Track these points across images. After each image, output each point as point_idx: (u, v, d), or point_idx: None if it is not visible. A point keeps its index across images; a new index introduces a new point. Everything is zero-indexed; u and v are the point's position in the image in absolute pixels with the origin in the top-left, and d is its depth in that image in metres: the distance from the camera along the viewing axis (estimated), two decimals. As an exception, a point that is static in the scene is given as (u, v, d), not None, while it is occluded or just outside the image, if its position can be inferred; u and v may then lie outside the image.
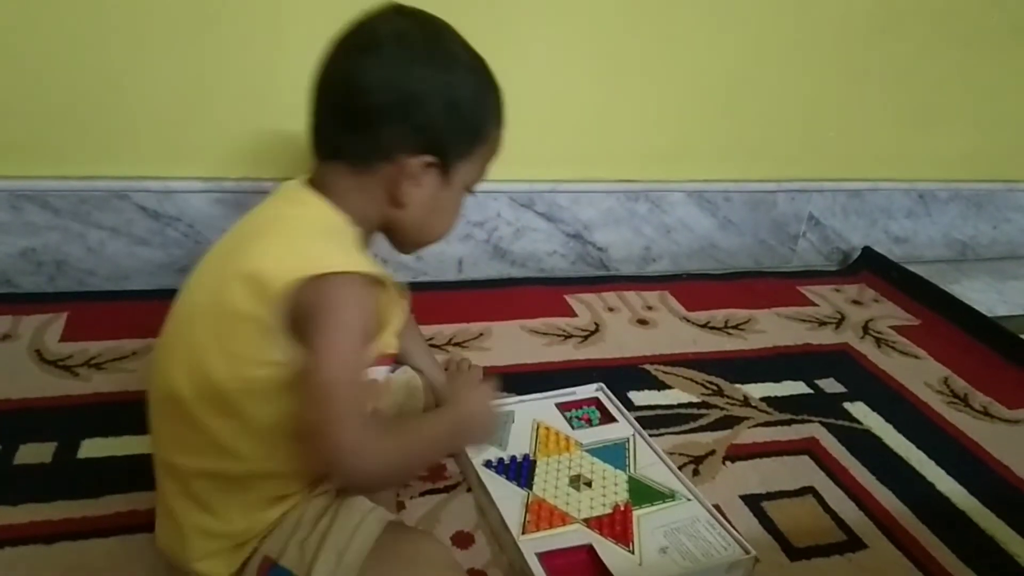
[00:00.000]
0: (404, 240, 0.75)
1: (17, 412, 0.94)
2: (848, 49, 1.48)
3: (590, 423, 1.01)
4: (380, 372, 0.79)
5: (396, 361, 0.91)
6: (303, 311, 0.61)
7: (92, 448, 0.89)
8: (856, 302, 1.51)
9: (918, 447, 1.06)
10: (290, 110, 1.21)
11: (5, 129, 1.13)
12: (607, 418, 1.02)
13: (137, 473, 0.83)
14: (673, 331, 1.32)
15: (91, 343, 1.08)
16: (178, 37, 1.13)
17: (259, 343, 0.62)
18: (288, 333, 0.62)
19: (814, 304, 1.48)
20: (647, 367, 1.19)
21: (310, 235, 0.66)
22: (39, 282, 1.22)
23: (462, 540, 0.82)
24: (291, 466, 0.67)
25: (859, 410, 1.14)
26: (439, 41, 0.69)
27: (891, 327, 1.41)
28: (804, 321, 1.40)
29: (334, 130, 0.69)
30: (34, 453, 0.87)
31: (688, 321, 1.36)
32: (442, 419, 0.74)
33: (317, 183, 0.70)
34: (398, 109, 0.66)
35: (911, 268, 1.61)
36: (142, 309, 1.16)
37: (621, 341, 1.26)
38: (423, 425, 0.73)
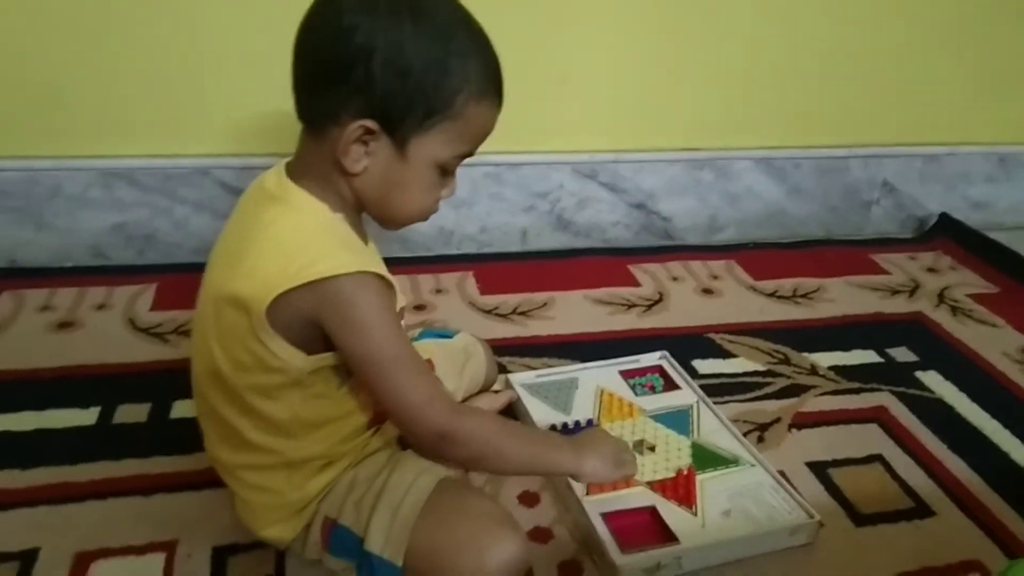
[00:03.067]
0: (374, 215, 0.70)
1: (114, 376, 1.01)
2: (922, 7, 1.42)
3: (653, 390, 1.02)
4: None
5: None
6: (312, 317, 0.62)
7: (183, 409, 0.95)
8: (932, 270, 1.47)
9: (992, 416, 1.04)
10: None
11: (95, 110, 1.20)
12: (670, 385, 1.03)
13: (224, 432, 0.89)
14: (739, 300, 1.31)
15: (179, 312, 1.15)
16: (252, 21, 1.17)
17: (259, 354, 0.63)
18: (289, 340, 0.63)
19: (887, 272, 1.44)
20: (712, 336, 1.19)
21: (291, 241, 0.63)
22: (129, 255, 1.29)
23: (528, 499, 0.85)
24: (322, 448, 0.70)
25: (931, 379, 1.11)
26: None
27: (968, 295, 1.37)
28: (876, 290, 1.38)
29: (298, 91, 0.65)
30: (131, 413, 0.94)
31: (755, 290, 1.35)
32: (561, 439, 0.76)
33: (296, 160, 0.68)
34: (343, 66, 0.60)
35: (990, 235, 1.55)
36: (224, 280, 1.23)
37: (685, 310, 1.26)
38: (533, 428, 0.76)
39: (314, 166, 0.65)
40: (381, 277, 0.64)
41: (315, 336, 0.63)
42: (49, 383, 0.99)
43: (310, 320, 0.62)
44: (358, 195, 0.66)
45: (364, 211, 0.69)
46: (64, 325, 1.11)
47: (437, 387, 0.66)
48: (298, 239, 0.63)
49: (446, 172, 0.68)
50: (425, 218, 0.70)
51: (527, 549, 0.67)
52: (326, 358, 0.65)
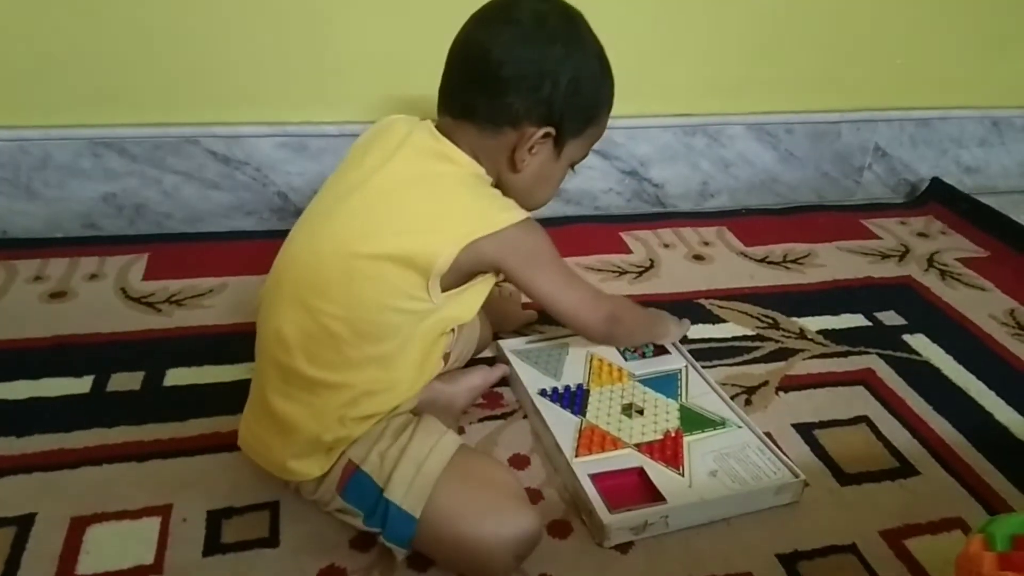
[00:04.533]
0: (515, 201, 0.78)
1: (107, 345, 1.01)
2: (917, -31, 1.41)
3: (643, 355, 1.03)
4: None
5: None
6: (485, 262, 0.72)
7: (177, 377, 0.96)
8: (922, 234, 1.47)
9: (978, 378, 1.05)
10: (348, 57, 1.24)
11: (83, 79, 1.19)
12: (660, 350, 1.04)
13: (218, 399, 0.91)
14: (730, 266, 1.32)
15: (171, 281, 1.15)
16: (239, -16, 1.16)
17: (416, 283, 0.70)
18: (448, 278, 0.71)
19: (878, 237, 1.45)
20: (702, 301, 1.20)
21: (473, 194, 0.74)
22: (121, 225, 1.29)
23: (518, 462, 0.86)
24: (396, 389, 0.74)
25: (919, 342, 1.13)
26: (572, 26, 0.76)
27: (957, 259, 1.38)
28: (866, 254, 1.38)
29: (468, 93, 0.75)
30: (124, 381, 0.95)
31: (745, 256, 1.35)
32: (664, 314, 1.01)
33: (447, 134, 0.76)
34: (531, 82, 0.73)
35: (983, 199, 1.56)
36: (217, 249, 1.23)
37: (676, 277, 1.27)
38: (652, 313, 0.99)
39: (472, 149, 0.76)
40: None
41: (461, 277, 0.73)
42: (43, 352, 0.99)
43: (479, 265, 0.73)
44: (507, 183, 0.78)
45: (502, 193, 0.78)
46: (57, 295, 1.11)
47: (596, 292, 0.84)
48: (480, 194, 0.74)
49: (571, 169, 0.83)
50: (543, 207, 0.84)
51: (542, 525, 0.72)
52: (452, 296, 0.73)
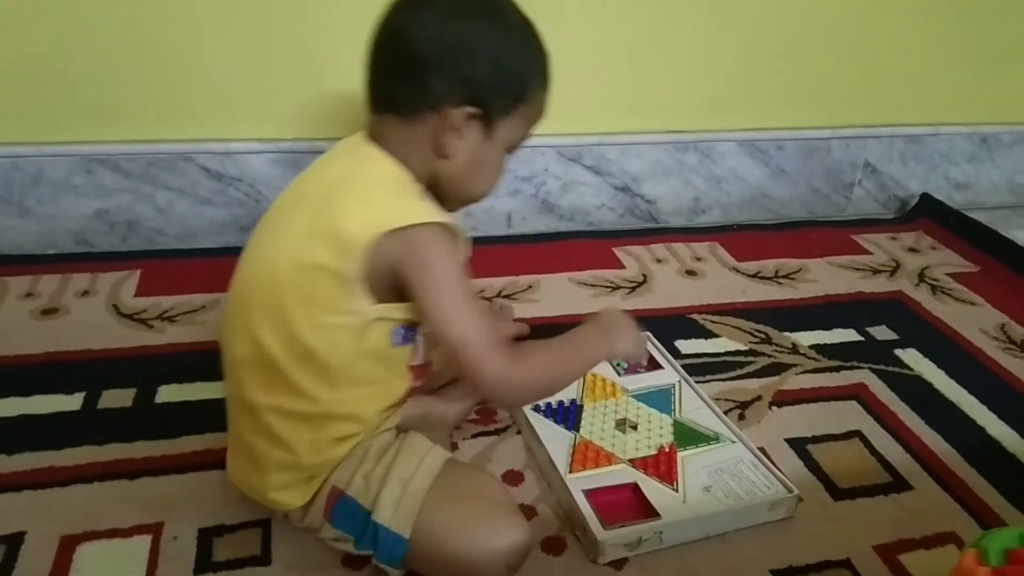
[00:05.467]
0: (448, 194, 0.76)
1: (99, 361, 1.01)
2: (905, -12, 1.43)
3: (636, 370, 1.03)
4: None
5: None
6: (391, 263, 0.67)
7: (168, 394, 0.95)
8: (912, 250, 1.48)
9: (970, 392, 1.05)
10: (341, 73, 1.24)
11: (77, 95, 1.19)
12: (653, 365, 1.04)
13: (210, 416, 0.90)
14: (722, 281, 1.32)
15: (164, 298, 1.15)
16: (235, 6, 1.17)
17: (338, 294, 0.67)
18: (369, 284, 0.67)
19: (868, 252, 1.46)
20: (694, 317, 1.20)
21: (385, 191, 0.70)
22: (113, 241, 1.29)
23: (512, 478, 0.86)
24: (357, 408, 0.72)
25: (911, 357, 1.13)
26: (489, 0, 0.73)
27: (948, 274, 1.38)
28: (857, 269, 1.39)
29: (386, 82, 0.72)
30: (116, 398, 0.94)
31: (738, 271, 1.36)
32: (584, 329, 0.81)
33: (374, 138, 0.73)
34: (447, 60, 0.68)
35: (972, 215, 1.57)
36: (210, 265, 1.23)
37: (669, 292, 1.27)
38: (564, 340, 0.79)
39: (399, 146, 0.72)
40: (454, 233, 0.70)
41: (384, 286, 0.68)
42: (34, 369, 0.99)
43: (387, 269, 0.67)
44: (441, 174, 0.74)
45: (438, 189, 0.75)
46: (48, 311, 1.11)
47: (494, 338, 0.70)
48: (391, 191, 0.70)
49: (510, 152, 0.77)
50: (488, 196, 0.79)
51: (533, 536, 0.70)
52: (387, 309, 0.69)
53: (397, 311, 0.70)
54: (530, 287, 1.25)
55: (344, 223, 0.66)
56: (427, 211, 0.69)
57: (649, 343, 1.08)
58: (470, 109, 0.70)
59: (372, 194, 0.70)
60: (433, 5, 0.70)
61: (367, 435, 0.74)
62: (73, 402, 0.93)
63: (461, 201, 0.78)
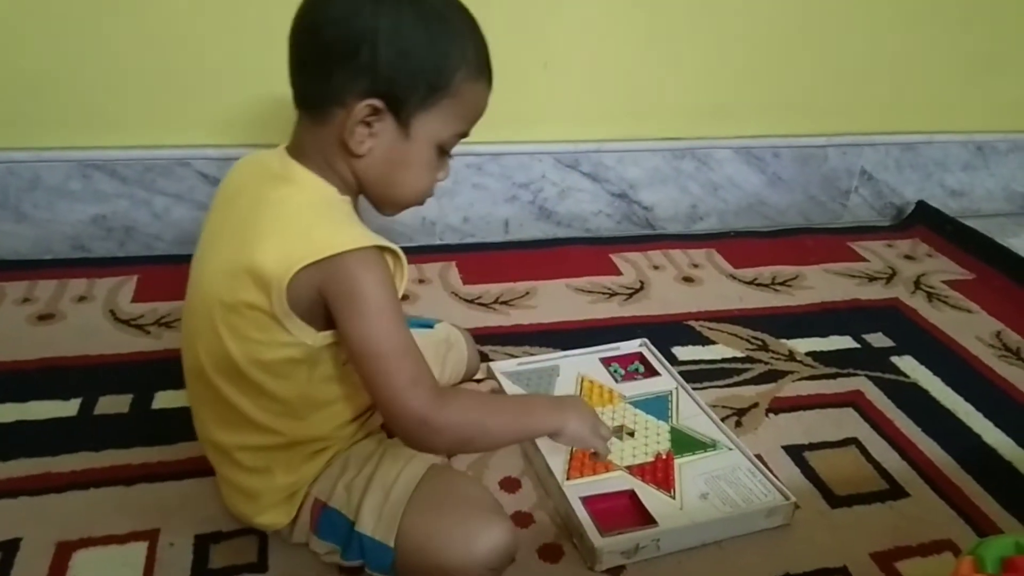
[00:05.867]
0: (374, 198, 0.71)
1: (96, 367, 1.01)
2: (900, -2, 1.44)
3: (634, 377, 1.03)
4: None
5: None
6: (320, 293, 0.62)
7: (165, 399, 0.95)
8: (908, 257, 1.49)
9: (966, 399, 1.06)
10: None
11: (74, 101, 1.19)
12: (650, 372, 1.04)
13: (206, 422, 0.89)
14: (719, 288, 1.32)
15: (160, 303, 1.15)
16: (232, 10, 1.17)
17: (269, 329, 0.64)
18: (307, 315, 0.64)
19: (865, 260, 1.46)
20: (691, 323, 1.20)
21: (305, 217, 0.64)
22: (110, 247, 1.29)
23: (509, 485, 0.86)
24: (325, 429, 0.71)
25: (907, 364, 1.13)
26: None
27: (944, 282, 1.39)
28: (853, 277, 1.39)
29: (297, 76, 0.67)
30: (113, 404, 0.94)
31: (734, 278, 1.36)
32: (539, 397, 0.77)
33: (295, 145, 0.68)
34: (347, 48, 0.62)
35: (968, 222, 1.58)
36: (205, 271, 1.22)
37: (666, 298, 1.27)
38: (510, 398, 0.74)
39: (317, 150, 0.66)
40: (392, 254, 0.65)
41: (322, 313, 0.64)
42: (30, 375, 0.98)
43: (318, 296, 0.63)
44: (360, 176, 0.67)
45: (365, 194, 0.70)
46: (45, 317, 1.11)
47: (423, 372, 0.64)
48: (311, 216, 0.64)
49: (443, 152, 0.70)
50: (422, 200, 0.72)
51: (515, 536, 0.69)
52: (333, 335, 0.66)
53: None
54: (527, 293, 1.25)
55: (262, 258, 0.61)
56: (351, 235, 0.63)
57: (647, 349, 1.08)
58: (374, 101, 0.63)
59: (289, 223, 0.63)
60: None
61: (343, 444, 0.74)
62: (69, 408, 0.93)
63: (393, 205, 0.72)
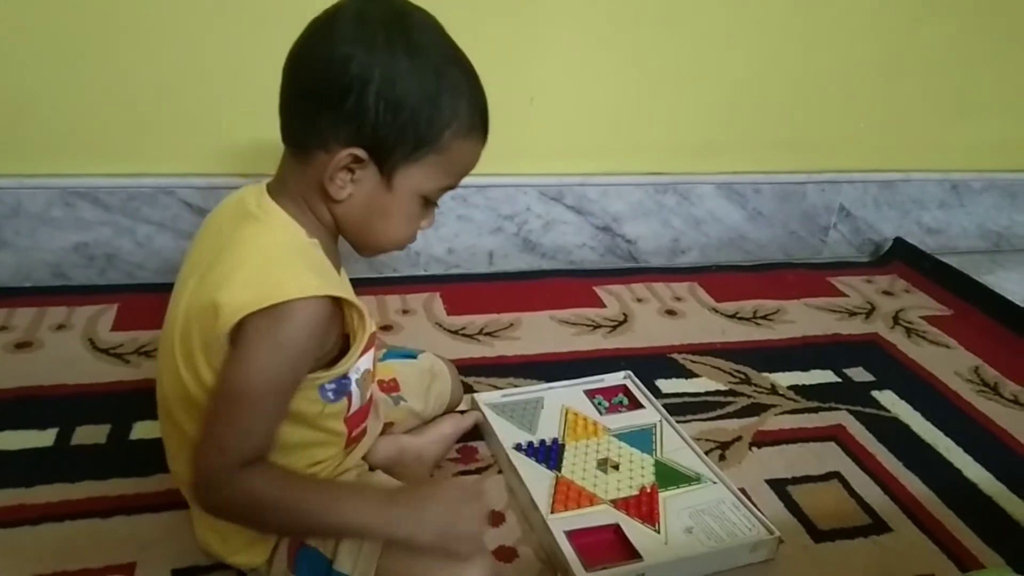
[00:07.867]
0: (352, 241, 0.70)
1: (73, 397, 0.99)
2: (879, 39, 1.48)
3: (618, 410, 1.03)
4: (381, 397, 0.82)
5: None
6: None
7: (144, 430, 0.94)
8: (887, 293, 1.51)
9: (946, 434, 1.06)
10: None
11: (57, 129, 1.19)
12: (634, 404, 1.04)
13: (186, 453, 0.88)
14: (702, 321, 1.33)
15: (141, 332, 1.14)
16: (218, 42, 1.18)
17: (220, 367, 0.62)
18: None
19: (844, 295, 1.48)
20: (675, 356, 1.21)
21: (261, 260, 0.62)
22: (91, 275, 1.28)
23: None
24: (297, 467, 0.69)
25: (887, 398, 1.14)
26: (403, 27, 0.62)
27: (922, 317, 1.41)
28: (834, 311, 1.41)
29: (285, 114, 0.66)
30: (90, 434, 0.92)
31: (717, 312, 1.37)
32: (398, 493, 0.67)
33: (278, 179, 0.68)
34: (335, 93, 0.60)
35: (944, 259, 1.60)
36: (188, 300, 1.21)
37: (649, 331, 1.28)
38: (345, 490, 0.67)
39: (296, 188, 0.66)
40: (349, 304, 0.65)
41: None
42: (6, 404, 0.96)
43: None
44: (338, 220, 0.67)
45: (343, 236, 0.69)
46: (22, 345, 1.09)
47: (248, 444, 0.60)
48: (268, 262, 0.62)
49: (428, 203, 0.69)
50: (402, 247, 0.71)
51: (498, 573, 0.68)
52: (308, 380, 0.65)
53: (320, 378, 0.66)
54: (511, 325, 1.26)
55: (216, 297, 0.60)
56: (309, 282, 0.61)
57: (631, 382, 1.08)
58: (357, 151, 0.62)
59: (244, 265, 0.62)
60: (333, 29, 0.61)
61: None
62: (46, 438, 0.91)
63: (370, 249, 0.71)
